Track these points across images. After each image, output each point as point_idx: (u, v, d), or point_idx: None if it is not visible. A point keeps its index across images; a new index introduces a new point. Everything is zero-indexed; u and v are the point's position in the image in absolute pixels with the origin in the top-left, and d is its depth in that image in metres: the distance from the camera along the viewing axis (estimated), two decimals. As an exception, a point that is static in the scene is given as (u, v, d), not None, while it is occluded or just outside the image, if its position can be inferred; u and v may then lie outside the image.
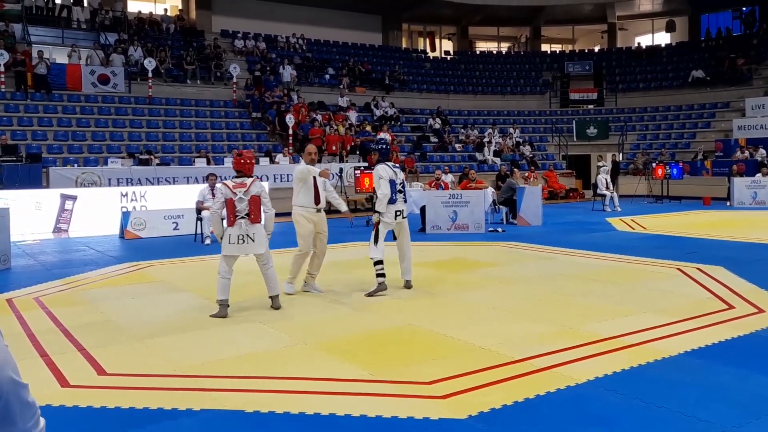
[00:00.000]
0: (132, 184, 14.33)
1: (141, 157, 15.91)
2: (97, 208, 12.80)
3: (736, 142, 22.21)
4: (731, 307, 6.00)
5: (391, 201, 6.81)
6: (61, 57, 20.06)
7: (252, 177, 6.19)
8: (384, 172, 6.83)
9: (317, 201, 6.87)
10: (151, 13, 24.92)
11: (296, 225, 6.92)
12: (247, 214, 6.00)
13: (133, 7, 24.95)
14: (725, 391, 3.90)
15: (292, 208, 6.93)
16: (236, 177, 6.16)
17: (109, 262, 9.43)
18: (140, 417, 3.66)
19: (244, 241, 5.98)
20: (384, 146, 7.32)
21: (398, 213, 6.90)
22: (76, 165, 15.37)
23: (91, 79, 19.09)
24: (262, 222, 6.18)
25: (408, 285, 7.10)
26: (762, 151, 20.55)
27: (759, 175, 18.07)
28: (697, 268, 7.96)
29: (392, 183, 6.85)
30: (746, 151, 21.20)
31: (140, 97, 19.84)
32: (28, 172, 13.70)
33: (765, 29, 26.91)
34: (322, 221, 6.99)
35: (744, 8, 29.40)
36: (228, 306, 6.03)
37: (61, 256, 10.03)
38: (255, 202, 6.04)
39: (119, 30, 22.16)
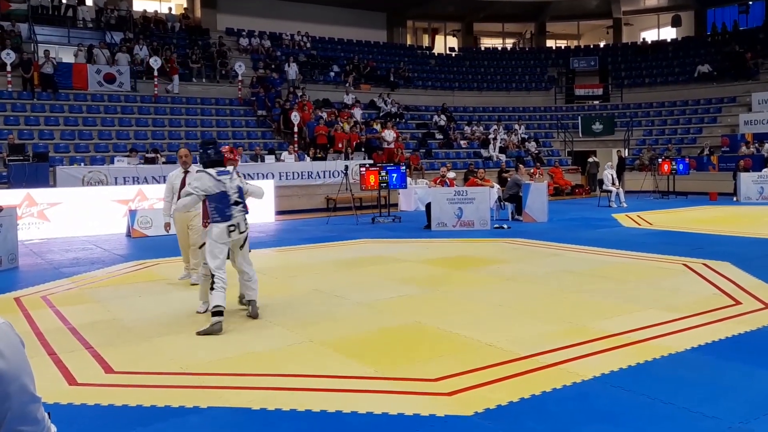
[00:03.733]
0: (138, 183, 14.38)
1: (147, 155, 15.96)
2: (103, 206, 12.84)
3: (742, 137, 22.09)
4: (738, 302, 5.98)
5: (226, 217, 5.52)
6: (67, 56, 20.13)
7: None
8: (200, 182, 5.52)
9: None
10: (156, 11, 24.95)
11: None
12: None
13: (138, 6, 24.99)
14: (732, 388, 3.89)
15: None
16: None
17: (116, 260, 9.47)
18: (148, 415, 3.68)
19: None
20: (206, 150, 5.66)
21: (232, 228, 5.54)
22: (82, 164, 15.42)
23: (98, 78, 19.15)
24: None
25: (252, 310, 5.75)
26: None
27: (765, 170, 17.97)
28: (704, 264, 7.93)
29: (223, 195, 5.51)
30: (751, 146, 21.10)
31: (146, 96, 19.90)
32: (36, 172, 13.75)
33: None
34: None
35: (750, 2, 29.21)
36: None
37: (69, 254, 10.08)
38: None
39: (125, 29, 22.22)
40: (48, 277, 8.10)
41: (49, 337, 5.29)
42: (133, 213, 12.44)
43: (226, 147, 6.31)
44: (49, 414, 1.69)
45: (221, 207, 5.52)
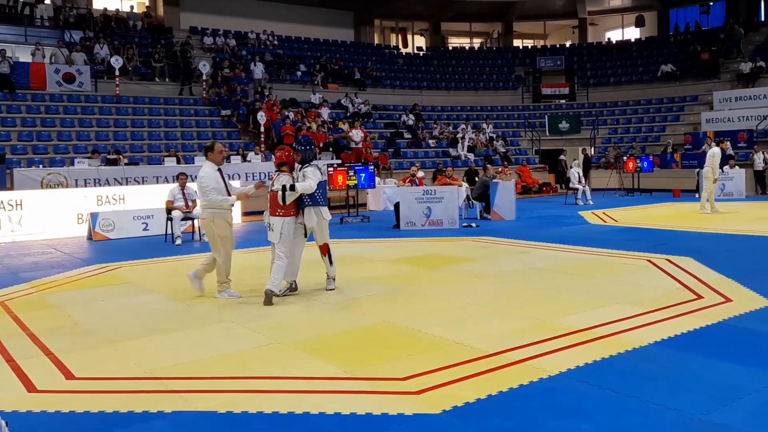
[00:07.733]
0: (100, 185, 14.07)
1: (109, 157, 15.63)
2: (64, 208, 12.52)
3: (704, 134, 22.61)
4: (700, 297, 6.10)
5: (326, 201, 6.94)
6: (24, 55, 19.62)
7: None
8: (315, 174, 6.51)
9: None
10: (117, 9, 24.50)
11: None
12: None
13: (98, 4, 24.49)
14: (694, 380, 3.96)
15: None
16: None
17: (77, 264, 9.25)
18: (110, 421, 3.59)
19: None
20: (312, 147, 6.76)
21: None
22: (41, 166, 15.04)
23: (56, 77, 18.69)
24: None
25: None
26: (728, 144, 20.91)
27: (727, 167, 18.40)
28: (667, 260, 8.08)
29: (324, 183, 6.89)
30: (712, 143, 21.56)
31: (107, 96, 19.50)
32: (-8, 174, 13.39)
33: (731, 23, 27.44)
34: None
35: (711, 3, 29.96)
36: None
37: (28, 258, 9.81)
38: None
39: (84, 27, 21.73)
40: (6, 282, 7.87)
41: (7, 344, 5.13)
42: (94, 215, 12.17)
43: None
44: (6, 423, 1.62)
45: (323, 192, 6.71)
